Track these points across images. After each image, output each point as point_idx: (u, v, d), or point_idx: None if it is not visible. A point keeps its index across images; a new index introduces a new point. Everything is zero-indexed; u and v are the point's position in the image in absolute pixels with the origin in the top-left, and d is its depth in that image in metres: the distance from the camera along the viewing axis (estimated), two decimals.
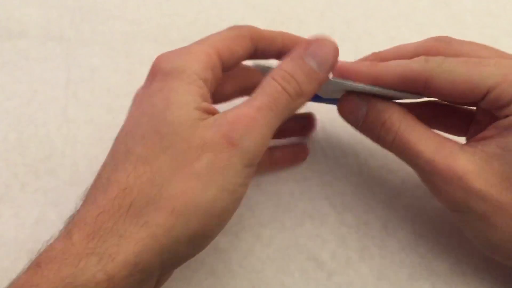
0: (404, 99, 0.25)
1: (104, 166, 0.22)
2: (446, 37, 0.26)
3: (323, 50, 0.23)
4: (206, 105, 0.22)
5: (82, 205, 0.21)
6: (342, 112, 0.26)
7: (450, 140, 0.24)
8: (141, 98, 0.23)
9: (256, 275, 0.27)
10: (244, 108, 0.22)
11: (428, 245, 0.28)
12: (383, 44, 0.41)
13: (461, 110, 0.28)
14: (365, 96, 0.25)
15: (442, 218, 0.30)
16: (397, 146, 0.24)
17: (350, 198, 0.31)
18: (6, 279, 0.26)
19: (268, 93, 0.22)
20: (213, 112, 0.22)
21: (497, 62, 0.23)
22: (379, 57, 0.28)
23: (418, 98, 0.25)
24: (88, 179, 0.31)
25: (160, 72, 0.23)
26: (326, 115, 0.36)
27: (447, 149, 0.23)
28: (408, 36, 0.39)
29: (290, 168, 0.32)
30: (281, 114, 0.22)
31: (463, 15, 0.40)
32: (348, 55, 0.40)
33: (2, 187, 0.30)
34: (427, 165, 0.23)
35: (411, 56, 0.25)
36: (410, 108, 0.25)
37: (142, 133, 0.21)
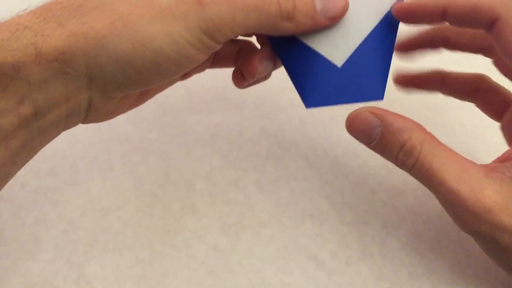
0: None
1: None
2: None
3: (332, 2, 0.23)
4: None
5: None
6: (352, 130, 0.24)
7: (474, 165, 0.22)
8: None
9: (256, 275, 0.27)
10: None
11: (428, 245, 0.28)
12: None
13: (500, 92, 0.28)
14: (379, 113, 0.23)
15: (442, 218, 0.30)
16: (418, 171, 0.22)
17: (350, 197, 0.31)
18: (6, 279, 0.26)
19: None
20: None
21: None
22: None
23: None
24: (88, 179, 0.31)
25: None
26: (327, 114, 0.36)
27: (473, 178, 0.21)
28: None
29: (290, 168, 0.32)
30: (260, 18, 0.22)
31: None
32: None
33: None
34: (451, 195, 0.21)
35: None
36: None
37: None
